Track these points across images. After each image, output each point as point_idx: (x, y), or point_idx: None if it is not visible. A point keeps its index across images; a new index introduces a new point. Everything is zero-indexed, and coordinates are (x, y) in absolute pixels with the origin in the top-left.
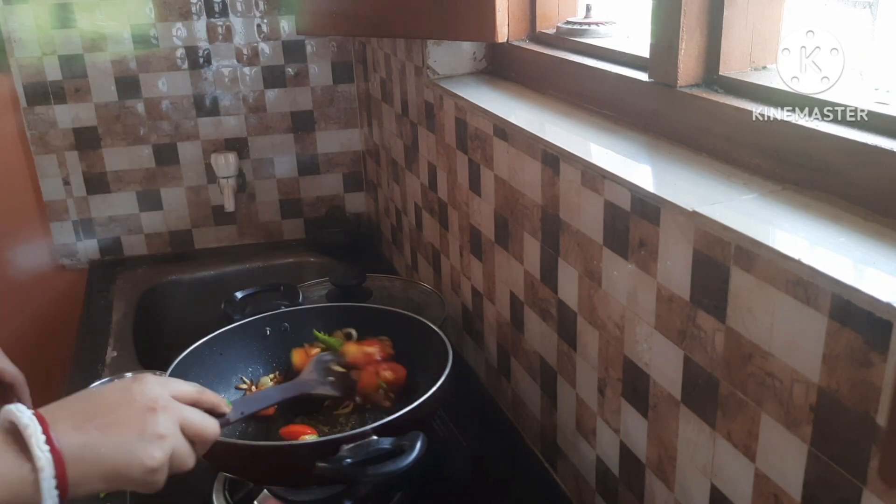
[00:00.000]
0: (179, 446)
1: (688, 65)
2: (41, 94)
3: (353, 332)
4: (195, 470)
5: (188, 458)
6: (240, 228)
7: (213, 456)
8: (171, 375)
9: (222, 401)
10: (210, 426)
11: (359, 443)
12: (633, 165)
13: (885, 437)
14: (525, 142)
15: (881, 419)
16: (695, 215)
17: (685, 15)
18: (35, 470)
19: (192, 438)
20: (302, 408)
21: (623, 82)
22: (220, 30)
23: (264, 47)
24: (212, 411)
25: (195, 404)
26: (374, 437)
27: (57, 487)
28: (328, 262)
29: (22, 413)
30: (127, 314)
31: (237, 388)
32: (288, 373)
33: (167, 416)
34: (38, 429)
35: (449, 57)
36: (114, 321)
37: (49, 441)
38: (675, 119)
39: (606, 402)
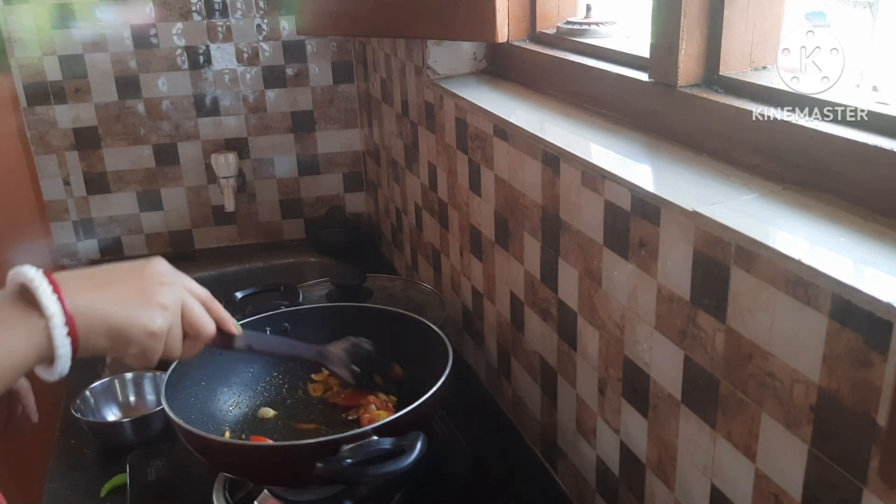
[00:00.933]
0: (176, 327)
1: (688, 65)
2: (41, 94)
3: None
4: (195, 470)
5: (178, 345)
6: (240, 228)
7: (213, 456)
8: (171, 376)
9: (231, 320)
10: (208, 325)
11: (359, 443)
12: (633, 165)
13: (886, 437)
14: (525, 142)
15: (881, 419)
16: (695, 215)
17: (685, 15)
18: (45, 317)
19: (188, 329)
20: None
21: (623, 82)
22: (220, 30)
23: (264, 47)
24: (219, 323)
25: (204, 305)
26: (375, 438)
27: (69, 335)
28: (328, 262)
29: (29, 270)
30: None
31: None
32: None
33: (172, 292)
34: (45, 281)
35: (449, 57)
36: None
37: (56, 291)
38: (675, 119)
39: (606, 402)
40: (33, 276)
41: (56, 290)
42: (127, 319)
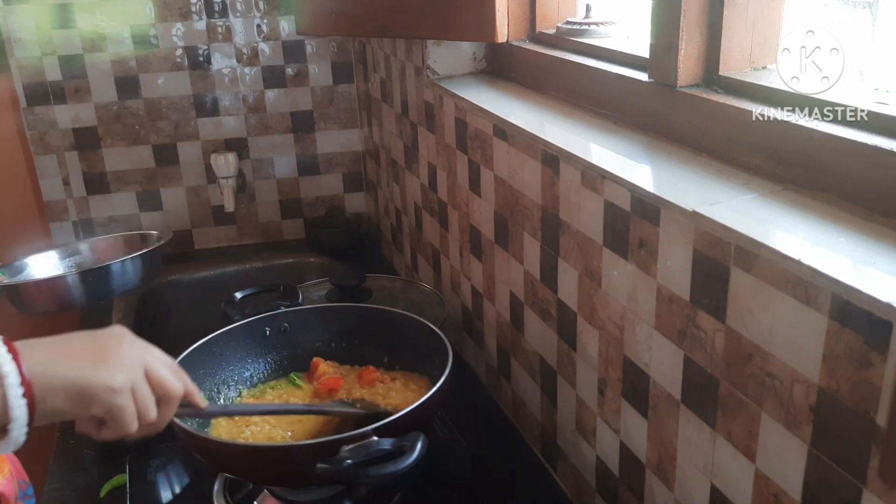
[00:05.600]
0: (141, 388)
1: (688, 65)
2: (41, 94)
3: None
4: (195, 470)
5: (150, 406)
6: (240, 229)
7: (213, 456)
8: None
9: (198, 392)
10: (174, 384)
11: (359, 443)
12: (633, 165)
13: (886, 437)
14: (525, 142)
15: (881, 419)
16: (695, 215)
17: (685, 15)
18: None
19: (156, 389)
20: None
21: (623, 82)
22: (220, 30)
23: (264, 47)
24: (186, 394)
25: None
26: (375, 438)
27: (24, 396)
28: (328, 262)
29: None
30: (127, 314)
31: None
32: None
33: (132, 351)
34: (2, 347)
35: (449, 57)
36: (114, 321)
37: (13, 352)
38: (675, 119)
39: (606, 402)
40: None
41: (13, 353)
42: (85, 377)
